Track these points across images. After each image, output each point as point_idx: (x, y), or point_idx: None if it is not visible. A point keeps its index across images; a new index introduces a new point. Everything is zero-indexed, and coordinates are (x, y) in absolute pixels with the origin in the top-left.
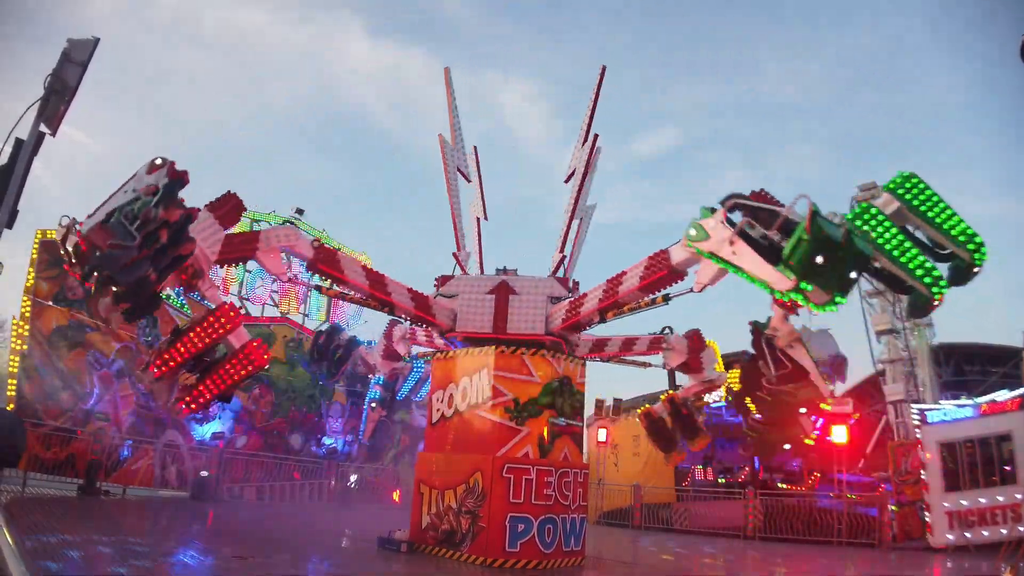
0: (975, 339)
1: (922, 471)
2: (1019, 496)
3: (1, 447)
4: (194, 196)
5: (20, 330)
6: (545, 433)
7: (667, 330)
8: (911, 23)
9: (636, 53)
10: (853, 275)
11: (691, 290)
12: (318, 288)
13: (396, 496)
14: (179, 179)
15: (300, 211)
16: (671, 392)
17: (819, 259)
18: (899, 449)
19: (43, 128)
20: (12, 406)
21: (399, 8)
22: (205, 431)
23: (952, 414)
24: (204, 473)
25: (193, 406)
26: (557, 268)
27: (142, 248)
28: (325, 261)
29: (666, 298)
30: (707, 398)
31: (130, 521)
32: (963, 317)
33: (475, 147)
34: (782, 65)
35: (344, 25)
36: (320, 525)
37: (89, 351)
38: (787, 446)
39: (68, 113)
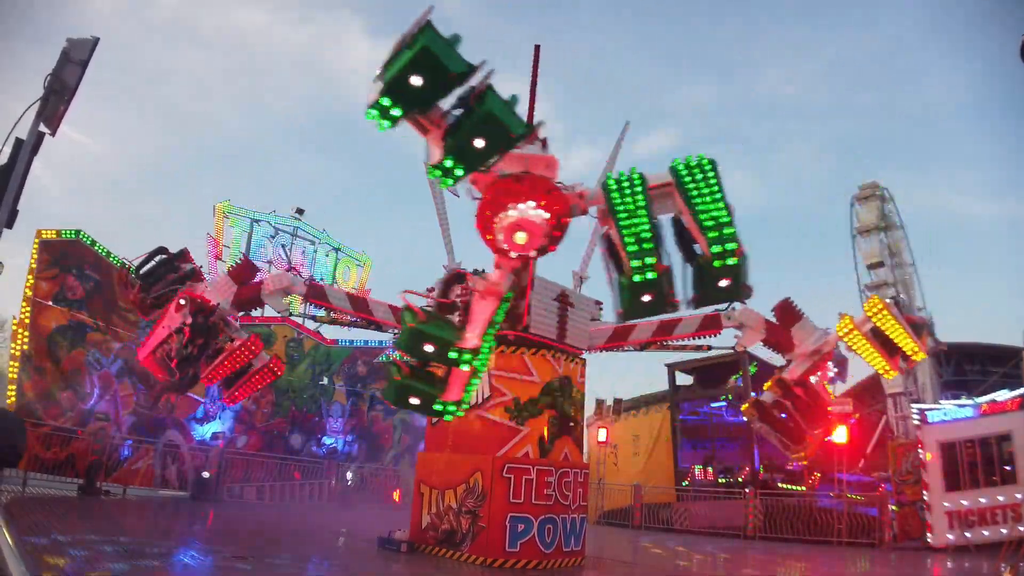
0: (975, 339)
1: (922, 471)
2: (1019, 496)
3: (1, 447)
4: (194, 195)
5: (21, 337)
6: (545, 433)
7: (732, 307)
8: (910, 23)
9: (635, 54)
10: (479, 143)
11: (733, 349)
12: (313, 318)
13: (396, 496)
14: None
15: (300, 211)
16: (779, 374)
17: (415, 79)
18: (899, 449)
19: (43, 128)
20: (13, 399)
21: (398, 8)
22: (205, 431)
23: (952, 414)
24: (205, 474)
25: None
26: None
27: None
28: (315, 295)
29: (708, 347)
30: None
31: (130, 521)
32: (963, 316)
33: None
34: (781, 65)
35: (344, 25)
36: (320, 525)
37: (89, 351)
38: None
39: (68, 113)
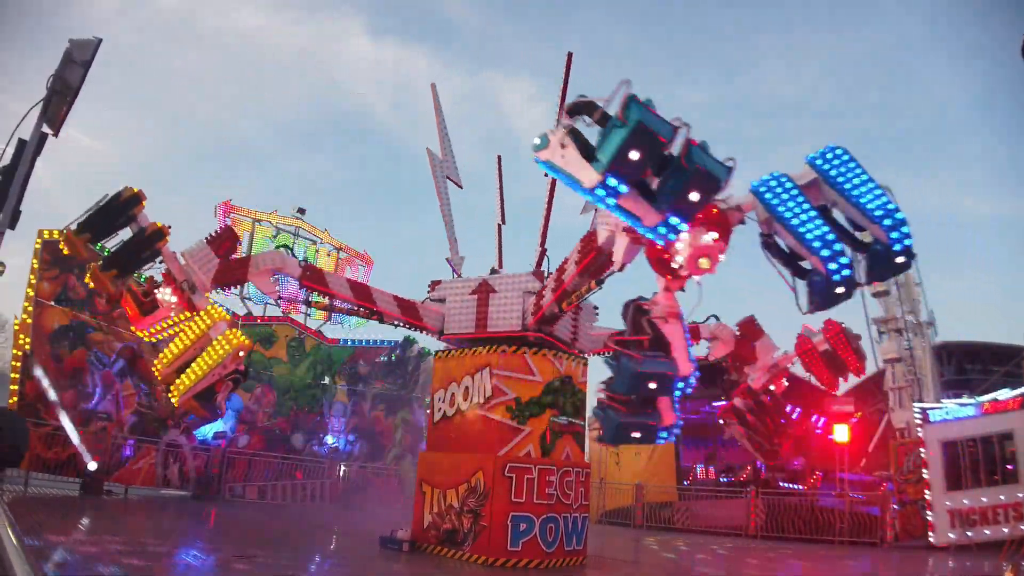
0: (977, 338)
1: (924, 470)
2: (1021, 495)
3: (3, 447)
4: (195, 196)
5: (22, 339)
6: (547, 432)
7: (712, 319)
8: (912, 22)
9: (637, 53)
10: (695, 197)
11: (705, 358)
12: (307, 303)
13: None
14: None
15: (302, 210)
16: (744, 386)
17: (633, 154)
18: (901, 448)
19: (45, 128)
20: (15, 399)
21: (400, 7)
22: (207, 431)
23: (954, 413)
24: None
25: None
26: (539, 262)
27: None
28: (311, 279)
29: (599, 282)
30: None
31: (132, 520)
32: (966, 315)
33: (499, 156)
34: (783, 64)
35: (345, 24)
36: (322, 524)
37: (91, 351)
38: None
39: (70, 114)
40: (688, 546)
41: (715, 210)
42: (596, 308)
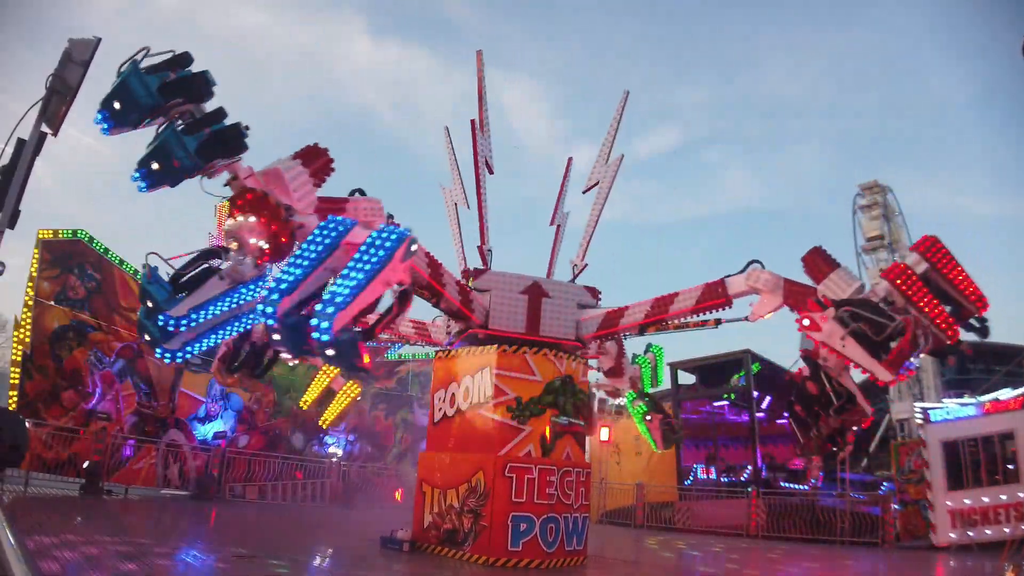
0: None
1: (925, 470)
2: (1022, 495)
3: (3, 447)
4: (195, 196)
5: (23, 335)
6: (547, 432)
7: (755, 264)
8: (913, 22)
9: (637, 53)
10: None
11: (746, 318)
12: None
13: (398, 495)
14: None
15: None
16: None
17: None
18: (902, 448)
19: (45, 128)
20: (15, 398)
21: (401, 8)
22: (207, 430)
23: (955, 413)
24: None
25: None
26: (577, 275)
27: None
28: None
29: (717, 322)
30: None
31: (132, 520)
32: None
33: (570, 158)
34: (784, 64)
35: (347, 25)
36: (322, 524)
37: (91, 350)
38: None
39: (70, 113)
40: (689, 546)
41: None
42: (595, 290)
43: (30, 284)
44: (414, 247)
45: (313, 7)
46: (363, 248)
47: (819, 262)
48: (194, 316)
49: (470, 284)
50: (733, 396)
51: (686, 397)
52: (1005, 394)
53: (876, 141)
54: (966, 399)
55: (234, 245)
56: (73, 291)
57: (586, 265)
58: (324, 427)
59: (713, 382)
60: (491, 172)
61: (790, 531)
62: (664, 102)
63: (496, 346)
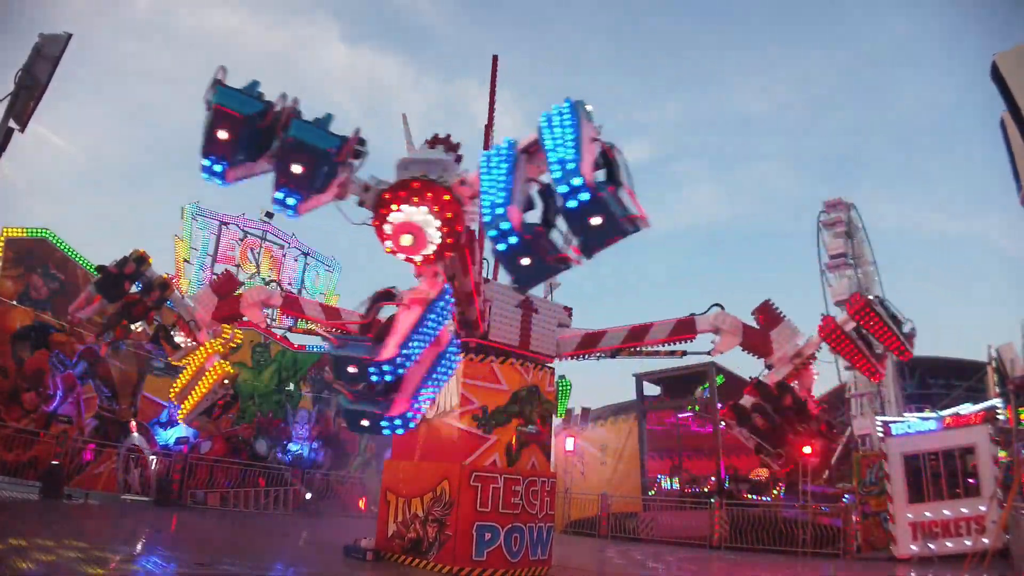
0: (940, 353)
1: (886, 482)
2: (982, 508)
3: None
4: (163, 196)
5: None
6: (513, 441)
7: (714, 308)
8: (881, 42)
9: (608, 67)
10: (296, 169)
11: (708, 352)
12: (290, 329)
13: (362, 504)
14: None
15: (269, 215)
16: (755, 377)
17: (221, 134)
18: (864, 460)
19: (12, 124)
20: None
21: (375, 15)
22: (169, 436)
23: (916, 427)
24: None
25: None
26: (551, 292)
27: None
28: (290, 306)
29: (683, 353)
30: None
31: (93, 525)
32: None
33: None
34: (751, 81)
35: (320, 30)
36: (285, 532)
37: (53, 352)
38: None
39: (38, 111)
40: (652, 556)
41: (442, 193)
42: (569, 309)
43: None
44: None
45: (287, 11)
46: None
47: (768, 316)
48: (405, 352)
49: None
50: (697, 408)
51: (651, 408)
52: (966, 409)
53: (842, 159)
54: (927, 413)
55: (408, 240)
56: (36, 291)
57: (559, 283)
58: (180, 419)
59: (677, 393)
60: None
61: (752, 542)
62: (636, 116)
63: (463, 355)
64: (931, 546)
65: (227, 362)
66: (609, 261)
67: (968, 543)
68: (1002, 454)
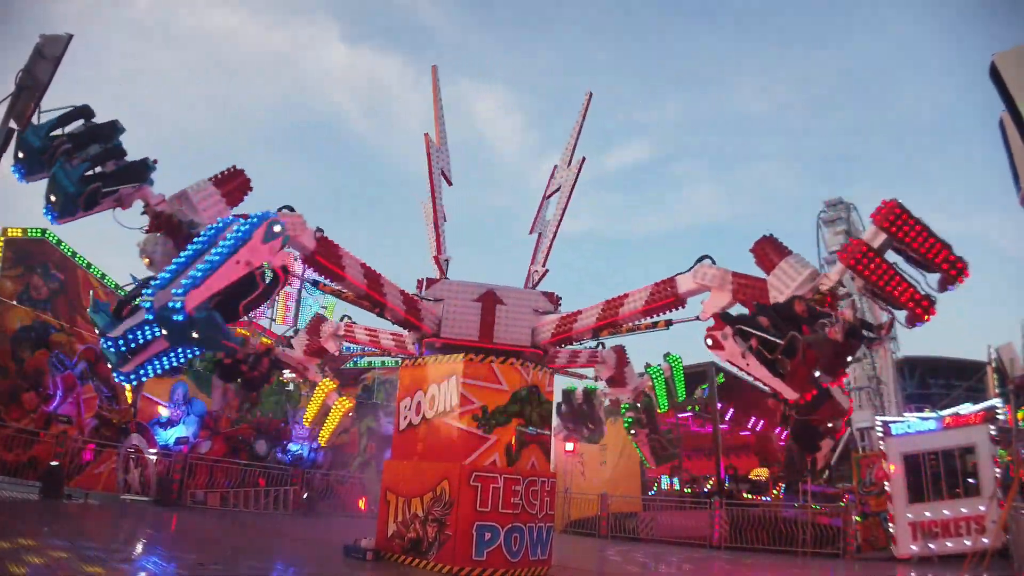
0: (939, 353)
1: (886, 482)
2: (982, 508)
3: None
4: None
5: None
6: (513, 441)
7: (705, 260)
8: (881, 42)
9: (608, 67)
10: None
11: (697, 318)
12: (314, 283)
13: (362, 504)
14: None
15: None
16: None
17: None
18: (863, 460)
19: (12, 125)
20: None
21: (375, 15)
22: (169, 436)
23: (916, 426)
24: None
25: None
26: (538, 282)
27: None
28: (325, 254)
29: (668, 323)
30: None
31: (92, 526)
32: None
33: (555, 167)
34: (752, 81)
35: (320, 30)
36: (285, 532)
37: (53, 352)
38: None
39: (38, 110)
40: (652, 556)
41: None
42: (555, 295)
43: None
44: (276, 228)
45: (287, 11)
46: (228, 233)
47: (769, 251)
48: (131, 336)
49: (422, 294)
50: (697, 408)
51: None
52: (966, 409)
53: (842, 159)
54: (927, 413)
55: (146, 262)
56: (36, 291)
57: (547, 271)
58: (322, 444)
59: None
60: (449, 184)
61: (752, 542)
62: (634, 117)
63: (463, 355)
64: (931, 546)
65: (345, 397)
66: (609, 261)
67: (968, 543)
68: (1002, 454)
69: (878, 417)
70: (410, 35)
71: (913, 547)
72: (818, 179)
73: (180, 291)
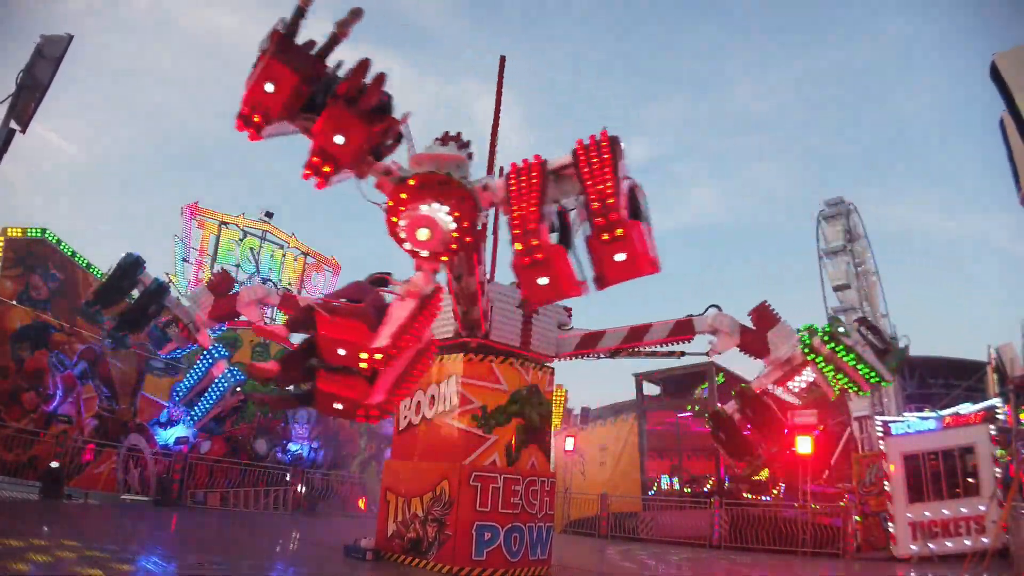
0: (939, 352)
1: (886, 482)
2: (982, 508)
3: None
4: (163, 196)
5: None
6: (513, 441)
7: (712, 309)
8: (881, 42)
9: (608, 67)
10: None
11: (707, 353)
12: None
13: (362, 504)
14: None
15: (269, 214)
16: (743, 386)
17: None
18: (863, 460)
19: (13, 124)
20: None
21: (375, 14)
22: (169, 436)
23: (916, 426)
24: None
25: None
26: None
27: None
28: (286, 305)
29: (681, 354)
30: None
31: (92, 525)
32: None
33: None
34: (752, 81)
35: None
36: (285, 532)
37: (53, 352)
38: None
39: (39, 110)
40: (652, 556)
41: (459, 190)
42: (569, 310)
43: None
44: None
45: (288, 11)
46: None
47: (764, 317)
48: (398, 343)
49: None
50: (697, 407)
51: (650, 408)
52: (965, 408)
53: (841, 159)
54: (927, 413)
55: (424, 234)
56: (36, 291)
57: None
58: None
59: (677, 393)
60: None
61: (752, 541)
62: (635, 116)
63: (463, 355)
64: (931, 546)
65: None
66: None
67: (968, 543)
68: (1001, 454)
69: (878, 417)
70: (410, 35)
71: (913, 547)
72: (818, 179)
73: None
